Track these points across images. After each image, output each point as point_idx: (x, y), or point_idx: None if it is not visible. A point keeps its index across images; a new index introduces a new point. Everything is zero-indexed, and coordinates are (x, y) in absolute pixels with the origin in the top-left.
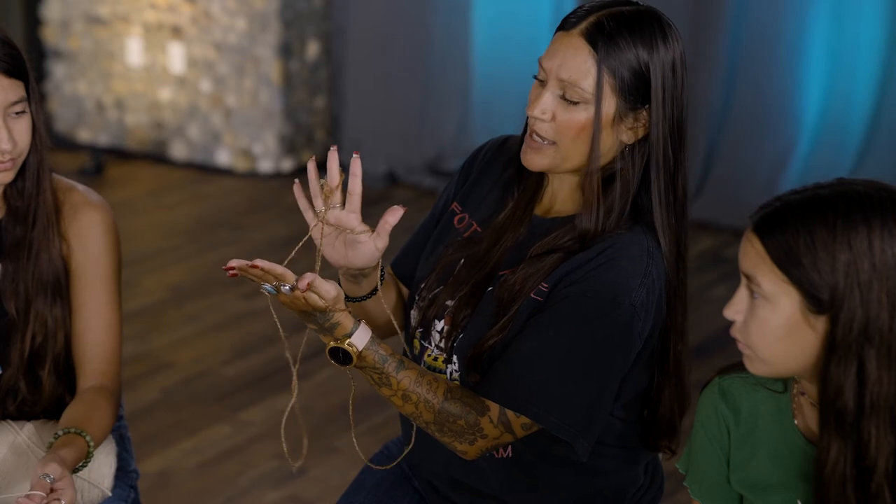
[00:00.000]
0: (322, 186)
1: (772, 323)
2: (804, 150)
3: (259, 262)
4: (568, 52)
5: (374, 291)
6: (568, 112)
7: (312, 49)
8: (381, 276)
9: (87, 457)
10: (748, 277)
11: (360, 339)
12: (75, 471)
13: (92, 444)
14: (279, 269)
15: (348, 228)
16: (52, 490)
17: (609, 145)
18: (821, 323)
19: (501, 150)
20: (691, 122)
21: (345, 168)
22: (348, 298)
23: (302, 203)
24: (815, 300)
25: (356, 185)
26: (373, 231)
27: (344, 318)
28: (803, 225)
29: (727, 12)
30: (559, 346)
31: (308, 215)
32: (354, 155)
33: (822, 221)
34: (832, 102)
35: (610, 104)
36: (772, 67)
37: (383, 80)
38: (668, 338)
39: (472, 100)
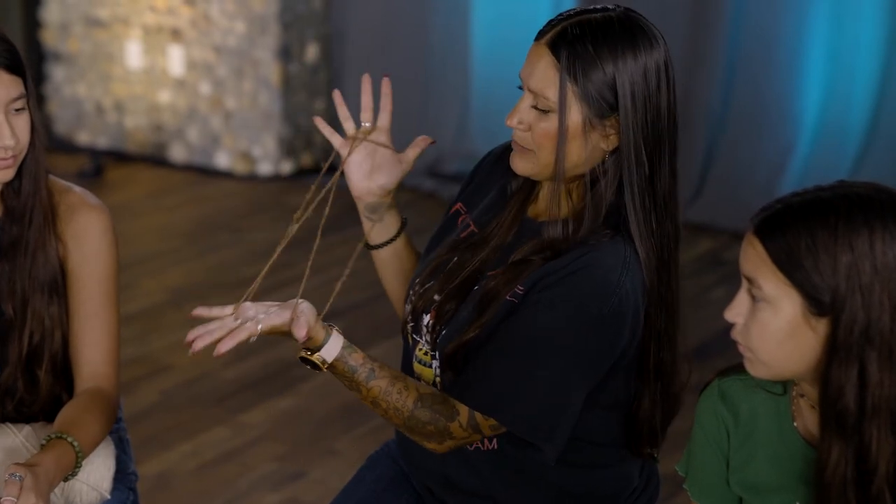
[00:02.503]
0: (358, 129)
1: (773, 325)
2: (803, 152)
3: (223, 347)
4: (535, 61)
5: (388, 242)
6: (540, 121)
7: (312, 52)
8: (400, 230)
9: (76, 460)
10: (749, 280)
11: (330, 351)
12: (71, 475)
13: (77, 445)
14: (242, 335)
15: (378, 144)
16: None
17: (583, 153)
18: (822, 325)
19: (506, 154)
20: (689, 124)
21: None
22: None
23: (327, 131)
24: (816, 302)
25: (387, 103)
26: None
27: (315, 333)
28: (804, 227)
29: (726, 13)
30: (527, 352)
31: (335, 140)
32: (385, 78)
33: (823, 223)
34: (831, 103)
35: (576, 112)
36: (771, 68)
37: None
38: (648, 346)
39: (471, 102)
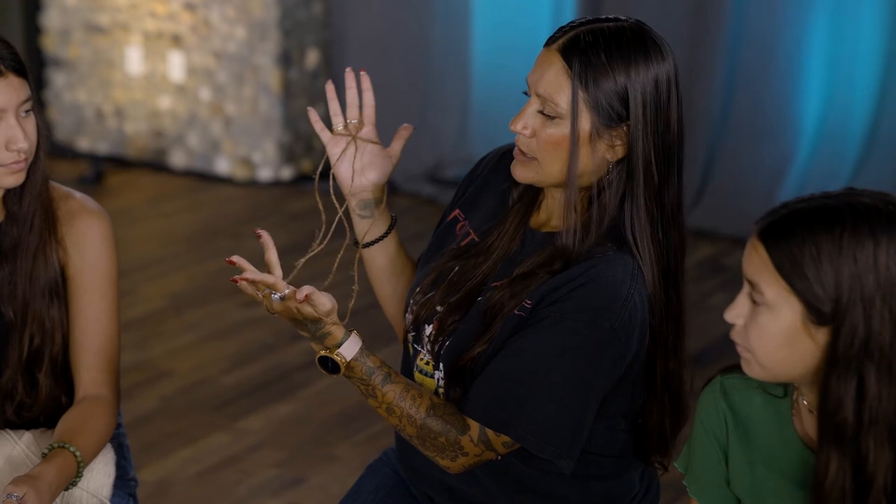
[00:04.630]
0: (346, 126)
1: (772, 330)
2: (803, 159)
3: (248, 275)
4: (546, 67)
5: (379, 239)
6: (546, 127)
7: (312, 58)
8: (391, 227)
9: (77, 469)
10: (751, 283)
11: (350, 349)
12: (72, 484)
13: (79, 455)
14: (270, 279)
15: (366, 140)
16: None
17: (590, 161)
18: (821, 334)
19: (503, 159)
20: (690, 131)
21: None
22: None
23: (318, 126)
24: (816, 312)
25: (369, 98)
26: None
27: (335, 329)
28: (809, 236)
29: (726, 21)
30: (539, 367)
31: (325, 136)
32: (362, 72)
33: (828, 233)
34: (831, 111)
35: (585, 120)
36: (770, 76)
37: (383, 89)
38: (655, 358)
39: (471, 108)
